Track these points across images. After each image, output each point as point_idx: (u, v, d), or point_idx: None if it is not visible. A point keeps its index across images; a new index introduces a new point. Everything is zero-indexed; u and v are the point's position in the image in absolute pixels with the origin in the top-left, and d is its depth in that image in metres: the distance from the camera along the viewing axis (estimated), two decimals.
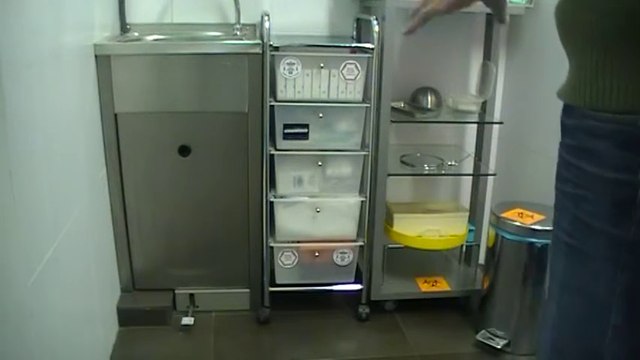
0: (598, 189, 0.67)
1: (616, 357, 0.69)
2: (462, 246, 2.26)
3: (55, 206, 1.35)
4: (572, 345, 0.75)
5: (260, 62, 1.85)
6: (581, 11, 0.67)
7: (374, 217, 2.03)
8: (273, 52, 1.85)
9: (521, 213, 1.87)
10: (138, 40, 2.05)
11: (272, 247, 2.04)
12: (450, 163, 2.14)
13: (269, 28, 1.83)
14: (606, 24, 0.64)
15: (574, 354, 0.74)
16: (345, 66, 1.87)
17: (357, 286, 2.11)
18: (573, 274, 0.73)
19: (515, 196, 2.14)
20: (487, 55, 2.10)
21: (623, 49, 0.63)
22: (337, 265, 2.10)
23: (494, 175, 2.18)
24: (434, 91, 2.18)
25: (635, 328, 0.68)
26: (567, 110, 0.72)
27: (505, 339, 1.92)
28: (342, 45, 2.07)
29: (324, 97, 1.90)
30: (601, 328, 0.69)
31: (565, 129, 0.73)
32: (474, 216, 2.24)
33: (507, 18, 0.94)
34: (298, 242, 2.06)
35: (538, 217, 1.84)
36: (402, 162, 2.12)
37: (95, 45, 1.79)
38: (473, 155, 2.22)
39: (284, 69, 1.85)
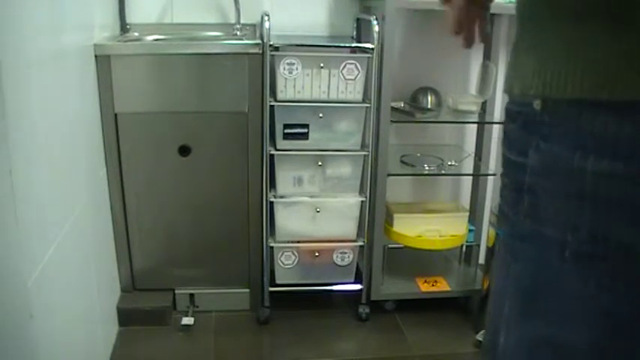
0: (508, 173, 0.66)
1: (504, 348, 0.67)
2: (461, 246, 2.26)
3: (55, 206, 1.35)
4: (488, 337, 0.74)
5: (260, 62, 1.85)
6: None
7: (374, 217, 2.03)
8: (273, 52, 1.85)
9: None
10: (138, 40, 2.05)
11: (272, 247, 2.04)
12: (450, 163, 2.14)
13: (269, 28, 1.83)
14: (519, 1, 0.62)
15: (489, 346, 0.72)
16: (345, 66, 1.87)
17: (357, 286, 2.11)
18: (494, 265, 0.72)
19: None
20: (487, 55, 2.10)
21: (529, 26, 0.61)
22: (337, 265, 2.10)
23: (494, 175, 2.18)
24: (434, 91, 2.17)
25: (523, 321, 0.64)
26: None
27: None
28: (342, 45, 2.07)
29: (324, 97, 1.90)
30: (498, 321, 0.67)
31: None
32: (474, 216, 2.24)
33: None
34: (298, 242, 2.06)
35: None
36: (402, 162, 2.12)
37: (95, 45, 1.79)
38: (473, 155, 2.22)
39: (284, 69, 1.85)
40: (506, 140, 0.65)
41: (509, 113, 0.65)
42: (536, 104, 0.59)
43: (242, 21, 2.12)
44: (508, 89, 0.65)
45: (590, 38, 0.53)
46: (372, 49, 1.86)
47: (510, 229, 0.65)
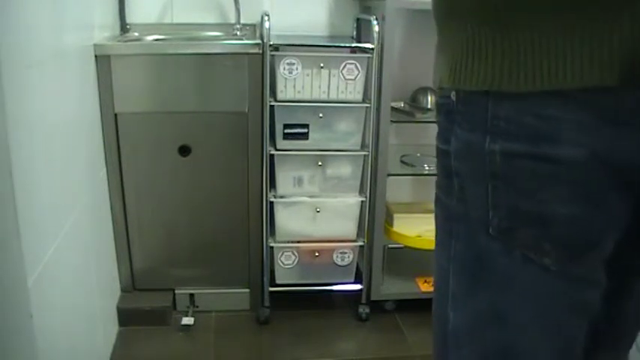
0: (439, 161, 0.73)
1: (453, 324, 0.72)
2: None
3: (55, 206, 1.35)
4: (436, 313, 0.80)
5: (260, 62, 1.85)
6: None
7: (374, 217, 2.03)
8: (273, 52, 1.85)
9: None
10: (138, 40, 2.05)
11: (272, 247, 2.04)
12: None
13: (269, 28, 1.83)
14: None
15: (436, 322, 0.80)
16: (345, 66, 1.87)
17: (357, 286, 2.11)
18: (435, 248, 0.78)
19: None
20: None
21: (441, 28, 0.69)
22: (337, 265, 2.10)
23: None
24: (434, 91, 2.17)
25: (466, 297, 0.69)
26: None
27: None
28: (342, 45, 2.07)
29: (324, 97, 1.90)
30: (446, 297, 0.73)
31: None
32: None
33: None
34: (298, 242, 2.06)
35: None
36: (402, 162, 2.12)
37: (95, 45, 1.79)
38: None
39: (284, 69, 1.85)
40: (437, 131, 0.72)
41: (437, 106, 0.72)
42: (453, 96, 0.65)
43: (242, 21, 2.12)
44: (434, 84, 0.72)
45: (485, 38, 0.59)
46: (372, 49, 1.86)
47: (447, 213, 0.72)
